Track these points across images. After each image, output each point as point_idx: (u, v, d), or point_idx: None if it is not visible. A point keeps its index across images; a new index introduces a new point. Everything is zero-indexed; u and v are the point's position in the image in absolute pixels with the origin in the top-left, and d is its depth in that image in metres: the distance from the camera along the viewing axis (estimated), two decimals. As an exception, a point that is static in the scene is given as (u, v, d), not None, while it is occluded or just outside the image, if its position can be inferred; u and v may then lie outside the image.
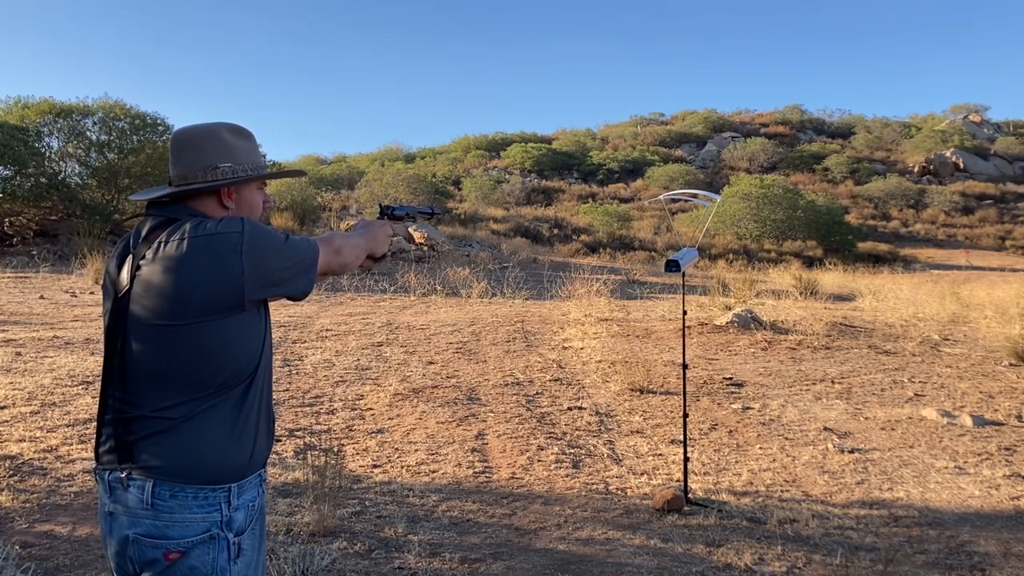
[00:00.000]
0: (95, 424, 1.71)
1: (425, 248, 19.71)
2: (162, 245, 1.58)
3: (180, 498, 1.55)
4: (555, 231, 28.90)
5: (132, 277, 1.60)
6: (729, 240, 28.36)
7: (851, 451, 5.20)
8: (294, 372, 7.09)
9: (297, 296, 1.69)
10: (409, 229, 20.07)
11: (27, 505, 3.80)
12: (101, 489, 1.63)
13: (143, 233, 1.64)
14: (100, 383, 1.67)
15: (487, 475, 4.61)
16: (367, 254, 1.88)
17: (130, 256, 1.64)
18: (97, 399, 5.38)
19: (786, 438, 5.54)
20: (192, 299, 1.55)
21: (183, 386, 1.57)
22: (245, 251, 1.57)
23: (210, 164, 1.68)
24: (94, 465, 1.67)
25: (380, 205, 2.08)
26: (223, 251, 1.56)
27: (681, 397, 4.94)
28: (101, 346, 7.87)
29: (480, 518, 3.95)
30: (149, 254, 1.59)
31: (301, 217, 21.72)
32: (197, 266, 1.55)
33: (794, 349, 9.16)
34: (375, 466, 4.68)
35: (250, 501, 1.65)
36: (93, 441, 1.77)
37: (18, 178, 19.00)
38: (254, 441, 1.67)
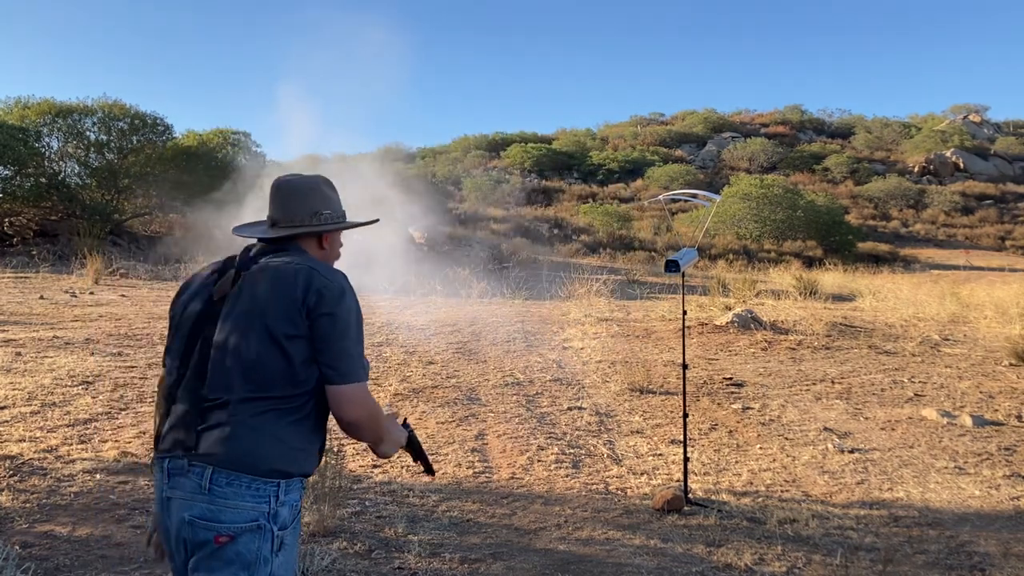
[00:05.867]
0: (154, 415, 1.88)
1: (425, 248, 19.72)
2: (271, 262, 1.83)
3: (235, 486, 1.68)
4: (555, 231, 28.90)
5: (234, 284, 1.81)
6: (729, 240, 28.34)
7: (851, 451, 5.20)
8: (294, 372, 7.09)
9: (328, 372, 1.76)
10: (410, 230, 20.07)
11: (27, 505, 3.80)
12: (159, 476, 1.77)
13: (251, 254, 1.90)
14: (168, 377, 1.84)
15: (487, 475, 4.61)
16: (377, 439, 1.92)
17: (233, 269, 1.86)
18: (96, 398, 5.29)
19: (786, 438, 5.54)
20: (277, 311, 1.74)
21: (266, 384, 1.73)
22: (331, 305, 1.76)
23: (315, 211, 1.96)
24: (152, 453, 1.81)
25: (412, 443, 2.15)
26: (314, 291, 1.76)
27: (681, 397, 4.94)
28: (101, 346, 7.85)
29: (480, 518, 3.95)
30: (256, 269, 1.82)
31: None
32: (291, 285, 1.76)
33: (794, 349, 9.16)
34: (375, 466, 4.68)
35: (294, 501, 1.79)
36: (153, 429, 1.90)
37: (18, 178, 19.00)
38: (307, 450, 1.81)
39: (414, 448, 2.15)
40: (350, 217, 2.13)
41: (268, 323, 1.73)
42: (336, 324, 1.76)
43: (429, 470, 2.22)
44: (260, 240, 1.96)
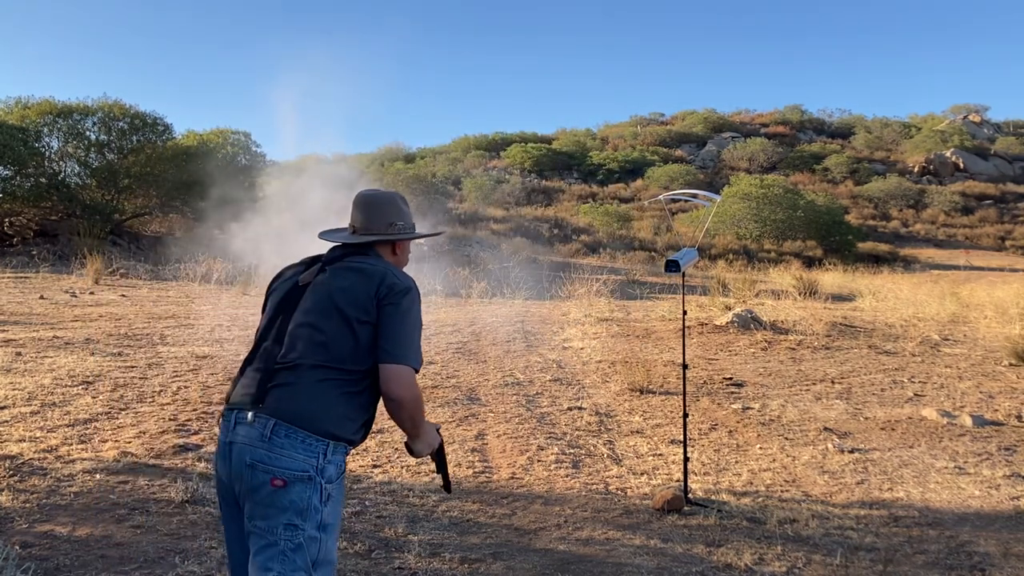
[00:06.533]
0: (232, 378, 2.20)
1: (425, 248, 19.72)
2: (352, 259, 2.18)
3: (292, 438, 1.96)
4: (555, 231, 28.91)
5: (318, 274, 2.15)
6: (729, 240, 28.35)
7: (851, 451, 5.20)
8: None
9: (382, 353, 2.04)
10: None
11: (27, 505, 3.79)
12: (225, 426, 2.06)
13: (335, 255, 2.22)
14: (255, 341, 2.17)
15: (487, 475, 4.61)
16: (414, 431, 2.16)
17: (318, 264, 2.21)
18: (96, 398, 5.32)
19: (786, 438, 5.53)
20: (353, 299, 2.05)
21: (336, 357, 2.02)
22: (397, 298, 2.07)
23: (391, 221, 2.30)
24: (223, 407, 2.13)
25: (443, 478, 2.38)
26: (386, 285, 2.08)
27: (681, 397, 4.94)
28: (101, 346, 7.86)
29: (480, 518, 3.95)
30: (340, 265, 2.16)
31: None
32: (367, 280, 2.09)
33: (794, 349, 9.16)
34: (375, 466, 4.68)
35: (339, 462, 2.04)
36: (229, 386, 2.23)
37: (18, 178, 18.99)
38: (355, 420, 2.06)
39: (440, 459, 2.30)
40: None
41: (345, 308, 2.04)
42: (397, 312, 2.05)
43: (447, 486, 2.35)
44: (344, 244, 2.28)
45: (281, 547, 1.92)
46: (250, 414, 2.00)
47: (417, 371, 2.08)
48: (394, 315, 2.05)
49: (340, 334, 2.03)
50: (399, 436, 5.30)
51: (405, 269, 2.33)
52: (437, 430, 2.26)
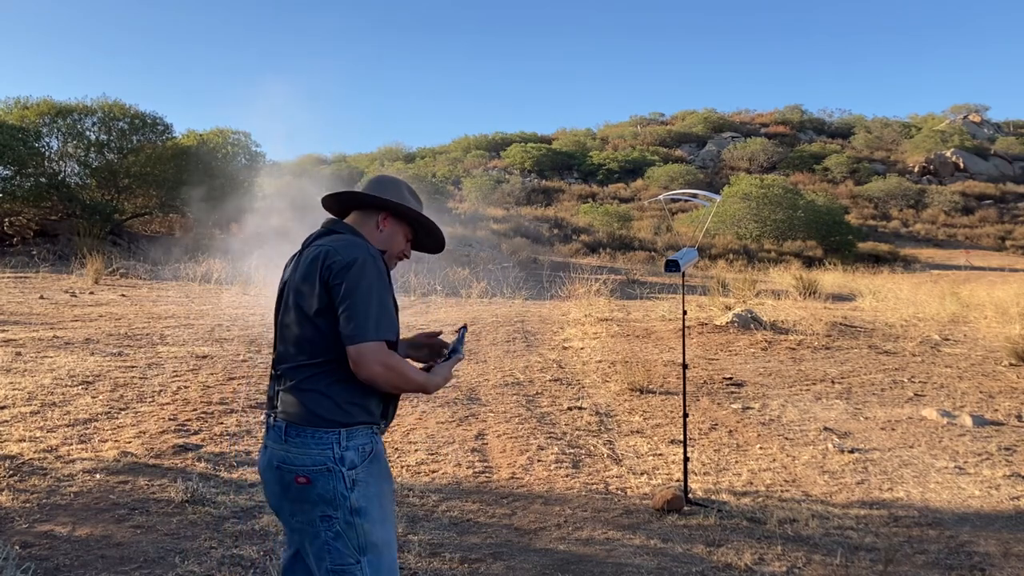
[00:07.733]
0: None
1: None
2: (318, 242, 2.11)
3: (303, 436, 2.00)
4: (555, 231, 28.90)
5: (293, 268, 2.12)
6: (729, 240, 28.34)
7: (851, 451, 5.20)
8: (294, 372, 7.08)
9: (342, 337, 1.97)
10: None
11: (27, 505, 3.79)
12: (264, 429, 2.14)
13: (307, 242, 2.18)
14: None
15: (487, 475, 4.61)
16: (418, 393, 2.18)
17: (296, 255, 2.17)
18: (96, 398, 5.34)
19: (786, 438, 5.53)
20: (305, 293, 2.02)
21: (309, 353, 2.02)
22: (340, 276, 1.98)
23: (385, 196, 2.20)
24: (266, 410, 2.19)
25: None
26: (326, 266, 2.00)
27: (681, 397, 4.94)
28: (101, 346, 7.86)
29: (480, 518, 3.95)
30: (306, 251, 2.11)
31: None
32: (312, 266, 2.02)
33: (794, 349, 9.15)
34: (375, 466, 4.67)
35: (360, 446, 2.04)
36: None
37: (18, 178, 19.00)
38: (359, 403, 2.05)
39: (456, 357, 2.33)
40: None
41: (303, 304, 2.03)
42: (342, 292, 1.97)
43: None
44: (323, 224, 2.23)
45: (323, 538, 1.99)
46: (272, 418, 2.08)
47: (387, 340, 1.99)
48: (339, 296, 1.98)
49: (308, 330, 2.02)
50: (399, 436, 5.30)
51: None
52: (450, 364, 2.27)
